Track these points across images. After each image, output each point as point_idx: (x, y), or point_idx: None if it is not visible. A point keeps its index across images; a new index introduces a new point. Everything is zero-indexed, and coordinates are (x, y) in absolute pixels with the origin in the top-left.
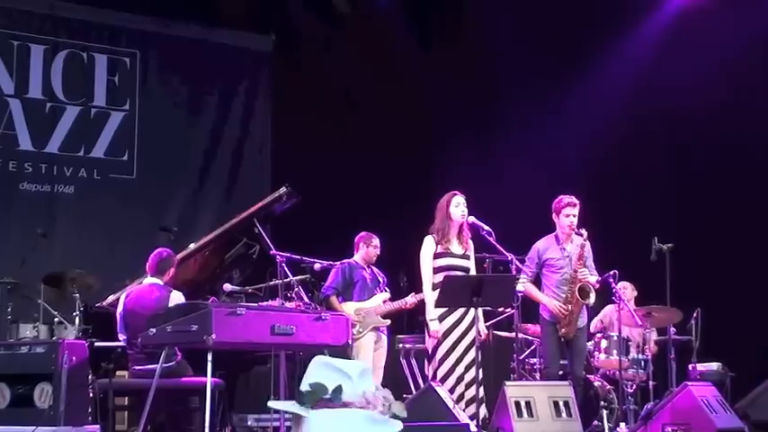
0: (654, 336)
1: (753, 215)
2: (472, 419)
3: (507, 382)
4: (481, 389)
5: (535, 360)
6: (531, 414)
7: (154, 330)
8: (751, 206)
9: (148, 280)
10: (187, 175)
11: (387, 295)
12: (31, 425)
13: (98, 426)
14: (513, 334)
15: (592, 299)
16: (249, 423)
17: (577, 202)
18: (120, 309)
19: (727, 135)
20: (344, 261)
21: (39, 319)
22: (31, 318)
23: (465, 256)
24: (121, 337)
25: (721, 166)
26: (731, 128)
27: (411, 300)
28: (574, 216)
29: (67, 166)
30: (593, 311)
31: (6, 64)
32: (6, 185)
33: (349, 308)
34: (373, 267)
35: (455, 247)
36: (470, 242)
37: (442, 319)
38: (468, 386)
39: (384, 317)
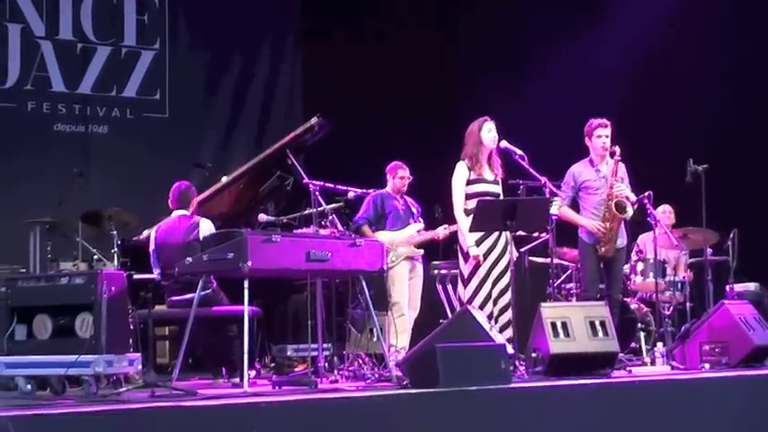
0: (686, 259)
1: None
2: (509, 342)
3: (543, 304)
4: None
5: (571, 285)
6: (567, 334)
7: (190, 259)
8: None
9: (175, 213)
10: (220, 110)
11: (420, 225)
12: (73, 354)
13: (139, 354)
14: (549, 260)
15: (629, 212)
16: (288, 353)
17: (608, 123)
18: (151, 245)
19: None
20: (377, 191)
21: (78, 256)
22: (71, 256)
23: (496, 182)
24: (155, 271)
25: (759, 84)
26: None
27: (443, 232)
28: (606, 137)
29: (100, 107)
30: (632, 234)
31: (36, 6)
32: (41, 127)
33: (383, 237)
34: (406, 197)
35: (487, 173)
36: (500, 168)
37: (477, 244)
38: (503, 310)
39: (417, 247)
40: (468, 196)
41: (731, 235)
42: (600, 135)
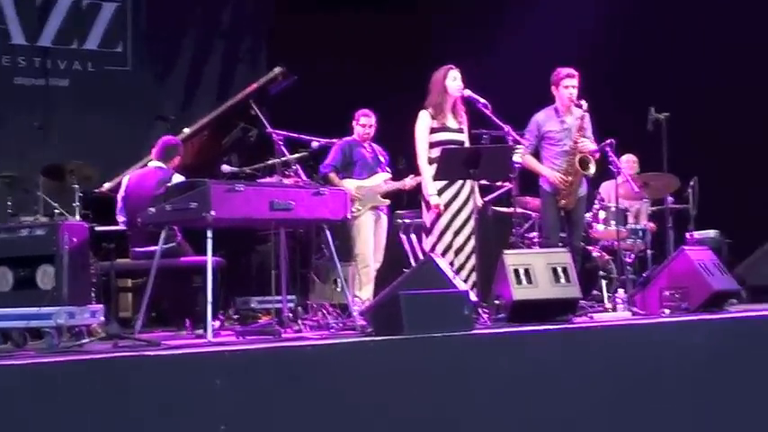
0: (648, 207)
1: (749, 83)
2: (472, 289)
3: (506, 251)
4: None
5: (534, 234)
6: (529, 281)
7: (153, 210)
8: (747, 73)
9: (152, 163)
10: (183, 63)
11: (388, 175)
12: (34, 305)
13: (102, 305)
14: (512, 209)
15: (592, 170)
16: (252, 305)
17: (576, 73)
18: (121, 191)
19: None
20: (345, 139)
21: (39, 211)
22: (32, 210)
23: (460, 131)
24: (120, 219)
25: (718, 34)
26: None
27: (410, 182)
28: (573, 87)
29: (61, 60)
30: (593, 182)
31: None
32: (1, 81)
33: (350, 185)
34: (374, 145)
35: (450, 122)
36: (464, 116)
37: (440, 193)
38: (467, 258)
39: (383, 197)
40: (432, 145)
41: (691, 183)
42: (567, 85)
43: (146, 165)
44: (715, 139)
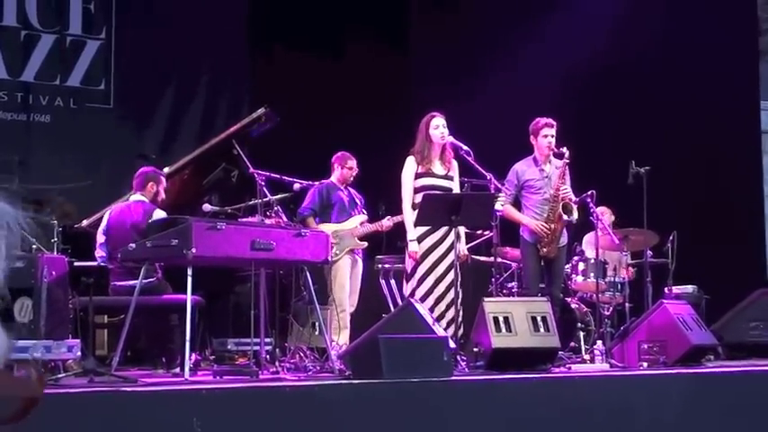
0: (627, 260)
1: (729, 140)
2: (452, 338)
3: (486, 299)
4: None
5: (513, 284)
6: (509, 329)
7: (134, 245)
8: (727, 131)
9: (133, 197)
10: (165, 103)
11: (364, 217)
12: (11, 339)
13: (79, 340)
14: (492, 258)
15: (575, 215)
16: (229, 347)
17: (554, 123)
18: (103, 224)
19: (706, 61)
20: (322, 181)
21: (16, 246)
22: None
23: (448, 177)
24: (98, 254)
25: (699, 91)
26: (711, 54)
27: (387, 223)
28: (552, 137)
29: (43, 95)
30: (575, 234)
31: None
32: None
33: (327, 229)
34: (350, 189)
35: (437, 168)
36: (454, 162)
37: (422, 239)
38: (447, 306)
39: (361, 239)
40: (416, 190)
41: (671, 237)
42: (546, 135)
43: (127, 199)
44: (695, 193)
